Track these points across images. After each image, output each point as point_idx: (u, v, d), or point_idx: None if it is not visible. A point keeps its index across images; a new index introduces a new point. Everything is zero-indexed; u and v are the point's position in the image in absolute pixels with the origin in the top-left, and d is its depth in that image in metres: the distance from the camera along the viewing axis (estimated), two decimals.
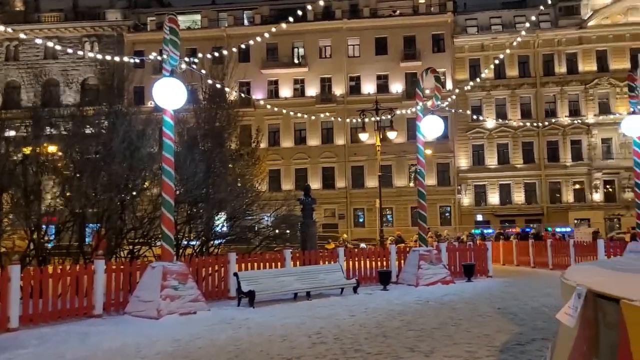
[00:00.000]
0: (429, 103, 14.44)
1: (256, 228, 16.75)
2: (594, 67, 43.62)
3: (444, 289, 13.21)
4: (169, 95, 10.02)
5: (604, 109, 42.38)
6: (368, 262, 14.58)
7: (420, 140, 14.79)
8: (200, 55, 14.32)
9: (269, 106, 34.76)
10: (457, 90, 32.05)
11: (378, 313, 9.83)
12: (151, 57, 11.82)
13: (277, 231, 17.12)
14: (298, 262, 13.35)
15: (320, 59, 46.99)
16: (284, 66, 46.54)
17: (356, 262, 14.38)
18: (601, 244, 15.86)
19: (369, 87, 45.87)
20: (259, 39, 14.25)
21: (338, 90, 46.20)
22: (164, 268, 9.87)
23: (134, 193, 13.49)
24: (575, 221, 39.67)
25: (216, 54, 15.05)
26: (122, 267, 10.85)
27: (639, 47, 42.89)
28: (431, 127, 14.12)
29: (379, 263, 14.70)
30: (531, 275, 17.17)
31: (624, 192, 41.92)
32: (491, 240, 22.07)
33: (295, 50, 47.36)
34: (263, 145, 43.47)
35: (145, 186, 13.99)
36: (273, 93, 46.40)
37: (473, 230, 38.02)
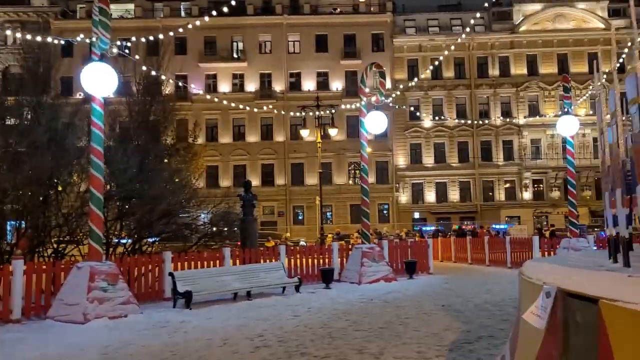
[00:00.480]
0: (373, 99, 14.28)
1: (193, 225, 15.97)
2: (525, 71, 45.42)
3: (386, 286, 13.08)
4: (98, 81, 9.21)
5: (534, 111, 44.24)
6: (310, 259, 14.25)
7: (364, 136, 14.62)
8: (134, 38, 13.42)
9: (208, 96, 33.79)
10: (400, 87, 32.29)
11: (322, 313, 9.50)
12: (79, 39, 10.90)
13: (215, 229, 16.42)
14: (238, 261, 12.82)
15: (260, 54, 46.28)
16: (222, 60, 45.48)
17: (298, 260, 14.01)
18: (536, 241, 16.29)
19: (309, 84, 45.65)
20: (197, 22, 13.58)
21: (278, 86, 45.70)
22: (92, 268, 9.08)
23: (60, 188, 12.50)
24: (507, 219, 41.15)
25: (151, 38, 14.21)
26: (44, 267, 9.94)
27: (565, 53, 45.09)
28: (375, 123, 13.95)
29: (321, 261, 14.40)
30: (469, 271, 17.43)
31: (551, 191, 43.97)
32: (430, 237, 22.30)
33: (235, 44, 46.42)
34: (200, 140, 42.43)
35: (72, 180, 12.99)
36: (211, 88, 45.22)
37: (424, 228, 38.73)
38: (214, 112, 43.92)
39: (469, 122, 43.37)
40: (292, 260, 13.91)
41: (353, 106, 22.36)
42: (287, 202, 44.35)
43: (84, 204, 11.60)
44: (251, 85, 45.59)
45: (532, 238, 17.02)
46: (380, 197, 42.82)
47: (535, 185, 44.49)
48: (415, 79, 34.32)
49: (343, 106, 28.18)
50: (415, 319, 8.72)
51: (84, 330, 8.25)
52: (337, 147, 42.52)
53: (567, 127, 14.80)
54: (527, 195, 44.29)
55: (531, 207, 43.38)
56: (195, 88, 35.02)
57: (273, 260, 13.17)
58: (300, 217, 44.69)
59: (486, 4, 20.09)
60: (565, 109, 15.07)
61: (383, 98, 14.12)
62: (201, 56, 45.21)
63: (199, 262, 12.31)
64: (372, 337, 7.37)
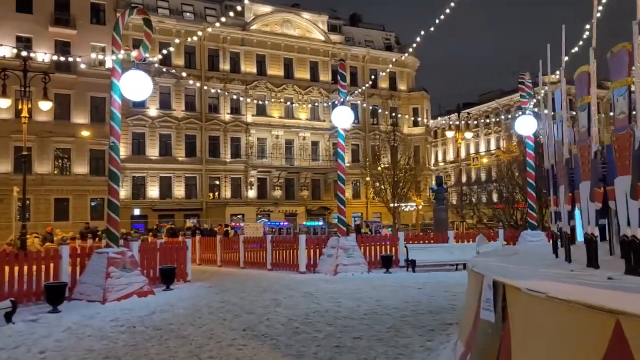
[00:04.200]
0: (134, 53, 10.81)
1: None
2: (254, 70, 45.63)
3: (143, 303, 9.76)
4: None
5: (261, 110, 44.71)
6: (25, 269, 9.85)
7: (117, 104, 11.03)
8: None
9: None
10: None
11: None
12: None
13: None
14: None
15: None
16: None
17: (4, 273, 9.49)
18: (302, 240, 14.96)
19: (5, 48, 36.67)
20: None
21: None
22: None
23: None
24: (232, 216, 40.35)
25: None
26: None
27: (291, 58, 47.00)
28: (135, 87, 10.47)
29: (42, 271, 10.13)
30: (228, 275, 15.15)
31: (274, 189, 45.05)
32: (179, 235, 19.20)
33: None
34: None
35: None
36: None
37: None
38: None
39: (198, 115, 41.30)
40: None
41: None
42: None
43: None
44: None
45: (299, 237, 15.73)
46: (94, 190, 37.22)
47: (260, 184, 44.99)
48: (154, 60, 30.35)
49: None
50: (224, 357, 6.01)
51: None
52: (40, 130, 35.35)
53: (342, 118, 13.87)
54: (251, 193, 44.44)
55: (255, 205, 43.66)
56: None
57: None
58: None
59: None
60: (341, 99, 14.10)
61: (147, 55, 10.81)
62: None
63: None
64: None
